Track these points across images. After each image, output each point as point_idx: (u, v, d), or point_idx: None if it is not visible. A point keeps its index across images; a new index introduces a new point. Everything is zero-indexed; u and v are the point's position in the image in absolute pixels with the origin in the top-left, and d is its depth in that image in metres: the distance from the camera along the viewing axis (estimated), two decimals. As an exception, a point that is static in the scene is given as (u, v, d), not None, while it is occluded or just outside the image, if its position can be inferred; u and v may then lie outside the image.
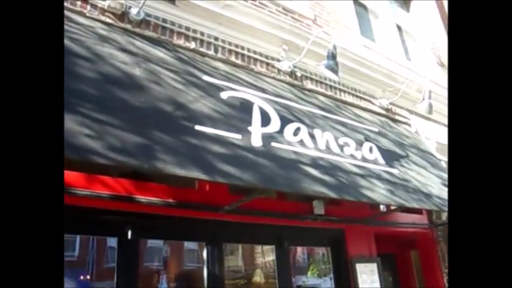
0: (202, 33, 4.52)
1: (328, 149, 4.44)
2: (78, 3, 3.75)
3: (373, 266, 5.27)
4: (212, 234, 4.21)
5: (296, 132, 4.26)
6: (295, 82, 5.28)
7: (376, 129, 5.64)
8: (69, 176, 3.43)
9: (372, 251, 5.38)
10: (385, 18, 8.10)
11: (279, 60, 5.18)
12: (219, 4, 4.61)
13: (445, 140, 6.63)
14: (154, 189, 3.84)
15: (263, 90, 4.51)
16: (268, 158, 3.74)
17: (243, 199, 3.97)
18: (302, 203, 4.92)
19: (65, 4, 3.64)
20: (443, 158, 6.33)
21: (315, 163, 4.11)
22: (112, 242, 3.81)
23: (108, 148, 2.78)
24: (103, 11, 3.88)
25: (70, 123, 2.74)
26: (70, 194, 3.35)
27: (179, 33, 4.34)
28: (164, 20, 4.25)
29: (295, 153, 4.05)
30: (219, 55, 4.59)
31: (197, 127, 3.45)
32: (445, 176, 5.65)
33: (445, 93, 7.22)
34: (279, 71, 5.15)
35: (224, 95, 4.02)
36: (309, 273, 6.66)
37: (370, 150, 4.99)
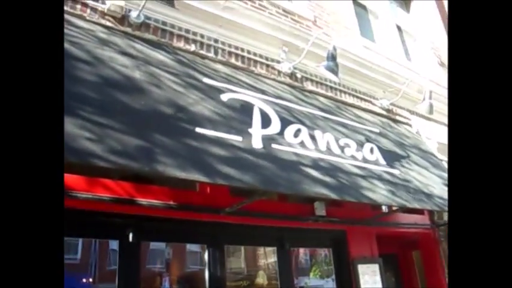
0: (202, 36, 4.53)
1: (329, 150, 4.44)
2: (78, 6, 3.76)
3: (375, 267, 5.27)
4: (213, 236, 4.21)
5: (297, 133, 4.26)
6: (296, 83, 5.29)
7: (376, 130, 5.64)
8: (71, 179, 3.44)
9: (373, 251, 5.38)
10: (385, 18, 8.11)
11: (279, 62, 5.18)
12: (218, 6, 4.62)
13: (446, 140, 6.63)
14: (155, 191, 3.85)
15: (263, 92, 4.52)
16: (269, 160, 3.75)
17: (244, 201, 3.97)
18: (303, 205, 4.92)
19: (65, 8, 3.65)
20: (444, 158, 6.33)
21: (315, 164, 4.12)
22: (114, 244, 3.81)
23: (108, 151, 2.79)
24: (103, 14, 3.90)
25: (71, 126, 2.75)
26: (71, 197, 3.37)
27: (179, 36, 4.35)
28: (164, 23, 4.26)
29: (296, 154, 4.05)
30: (219, 57, 4.59)
31: (197, 129, 3.46)
32: (446, 176, 5.65)
33: (445, 93, 7.21)
34: (279, 72, 5.16)
35: (224, 97, 4.03)
36: (312, 274, 6.65)
37: (371, 151, 4.99)
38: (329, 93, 5.69)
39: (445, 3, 9.77)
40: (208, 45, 4.57)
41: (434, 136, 6.74)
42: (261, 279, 6.48)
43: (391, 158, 5.19)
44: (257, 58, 4.98)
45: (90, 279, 6.30)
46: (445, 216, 6.39)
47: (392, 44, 7.87)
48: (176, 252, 6.82)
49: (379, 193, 4.37)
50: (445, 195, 4.98)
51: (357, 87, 6.15)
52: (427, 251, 6.47)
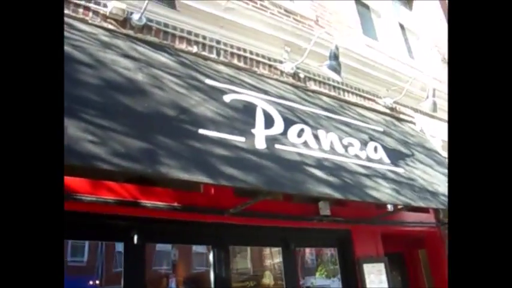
0: (204, 37, 4.53)
1: (333, 150, 4.44)
2: (81, 10, 3.77)
3: (381, 266, 5.26)
4: (218, 237, 4.21)
5: (300, 133, 4.26)
6: (298, 83, 5.28)
7: (380, 129, 5.63)
8: (75, 182, 3.46)
9: (379, 250, 5.37)
10: (387, 17, 8.09)
11: (281, 62, 5.18)
12: (220, 7, 4.63)
13: (450, 137, 6.59)
14: (159, 193, 3.86)
15: (266, 93, 4.52)
16: (273, 160, 3.75)
17: (248, 202, 3.97)
18: (308, 204, 4.92)
19: (68, 12, 3.67)
20: (449, 156, 6.30)
21: (319, 164, 4.11)
22: (120, 247, 3.83)
23: (112, 154, 2.80)
24: (105, 17, 3.91)
25: (74, 129, 2.76)
26: (76, 200, 3.38)
27: (181, 38, 4.36)
28: (166, 25, 4.27)
29: (300, 154, 4.05)
30: (221, 58, 4.60)
31: (201, 131, 3.46)
32: (451, 174, 5.62)
33: (449, 90, 7.17)
34: (282, 72, 5.16)
35: (227, 98, 4.04)
36: (317, 274, 6.65)
37: (375, 149, 4.98)
38: (332, 93, 5.68)
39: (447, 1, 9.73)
40: (210, 47, 4.57)
41: (439, 134, 6.72)
42: (267, 279, 6.49)
43: (395, 156, 5.18)
44: (259, 58, 4.98)
45: (97, 282, 6.32)
46: (450, 214, 6.36)
47: (395, 42, 7.86)
48: (182, 253, 6.84)
49: (384, 192, 4.36)
50: (450, 193, 4.95)
51: (360, 86, 6.14)
52: (433, 250, 6.45)
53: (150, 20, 4.16)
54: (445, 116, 7.19)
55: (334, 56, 4.78)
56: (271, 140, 3.91)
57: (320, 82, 5.58)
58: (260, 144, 3.79)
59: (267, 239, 4.78)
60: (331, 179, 4.00)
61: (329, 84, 5.69)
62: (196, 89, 3.89)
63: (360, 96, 6.10)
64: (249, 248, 6.73)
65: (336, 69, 4.74)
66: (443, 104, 6.78)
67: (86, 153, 2.71)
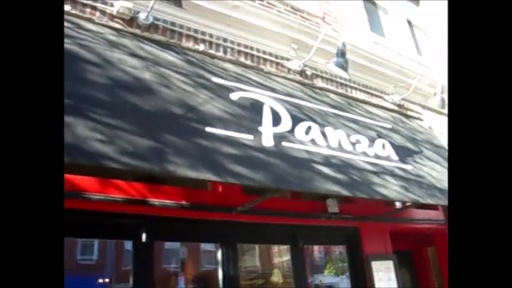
0: (211, 35, 4.54)
1: (340, 147, 4.43)
2: (88, 10, 3.79)
3: (389, 264, 5.24)
4: (226, 235, 4.22)
5: (307, 131, 4.25)
6: (306, 81, 5.27)
7: (388, 126, 5.61)
8: (83, 181, 3.48)
9: (387, 248, 5.35)
10: (394, 13, 8.05)
11: (288, 60, 5.17)
12: (226, 5, 4.62)
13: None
14: (167, 191, 3.87)
15: (273, 90, 4.52)
16: (280, 158, 3.75)
17: (256, 199, 3.97)
18: (316, 202, 4.91)
19: (75, 12, 3.68)
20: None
21: (327, 161, 4.11)
22: (129, 245, 3.84)
23: (120, 152, 2.81)
24: (112, 16, 3.92)
25: (82, 128, 2.78)
26: (85, 198, 3.40)
27: (188, 36, 4.37)
28: (172, 24, 4.28)
29: (307, 152, 4.05)
30: (228, 56, 4.60)
31: (208, 129, 3.47)
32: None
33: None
34: (289, 70, 5.15)
35: (234, 96, 4.04)
36: (326, 271, 6.64)
37: (383, 146, 4.96)
38: (339, 90, 5.67)
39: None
40: (217, 45, 4.57)
41: (447, 130, 6.68)
42: (276, 277, 6.49)
43: (403, 153, 5.15)
44: (266, 56, 4.98)
45: (106, 279, 6.36)
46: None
47: (403, 38, 7.82)
48: (190, 251, 6.86)
49: (392, 189, 4.34)
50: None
51: (367, 83, 6.12)
52: (442, 247, 6.40)
53: (157, 19, 4.17)
54: (454, 113, 7.14)
55: (341, 53, 4.76)
56: (278, 138, 3.91)
57: (327, 79, 5.57)
58: (267, 141, 3.79)
59: (275, 237, 4.78)
60: (339, 176, 3.99)
61: (336, 82, 5.67)
62: (203, 87, 3.89)
63: (368, 93, 6.08)
64: (257, 246, 6.73)
65: (343, 66, 4.73)
66: (451, 101, 6.73)
67: (94, 152, 2.73)
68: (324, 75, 5.55)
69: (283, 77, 5.02)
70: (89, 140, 2.75)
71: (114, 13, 3.93)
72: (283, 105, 4.34)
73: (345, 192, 3.86)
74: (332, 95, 5.48)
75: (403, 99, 6.44)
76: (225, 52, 4.60)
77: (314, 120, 4.47)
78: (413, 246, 7.02)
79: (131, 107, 3.23)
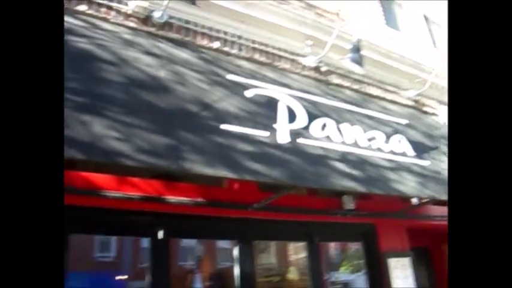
0: (225, 33, 4.53)
1: (356, 143, 4.40)
2: (103, 10, 3.81)
3: (406, 261, 5.20)
4: (242, 232, 4.23)
5: (323, 127, 4.24)
6: (321, 77, 5.24)
7: (404, 122, 5.55)
8: (100, 178, 3.52)
9: (404, 245, 5.31)
10: (410, 7, 7.96)
11: (303, 56, 5.15)
12: (241, 2, 4.61)
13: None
14: (183, 189, 3.89)
15: (288, 87, 4.50)
16: (296, 154, 3.74)
17: (272, 196, 3.97)
18: (331, 199, 4.89)
19: (90, 12, 3.71)
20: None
21: (343, 158, 4.09)
22: (145, 242, 3.87)
23: (136, 150, 2.84)
24: (127, 16, 3.94)
25: (98, 127, 2.81)
26: (102, 196, 3.43)
27: (202, 34, 4.37)
28: (187, 22, 4.28)
29: (323, 148, 4.03)
30: (243, 53, 4.59)
31: (224, 126, 3.48)
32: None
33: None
34: (304, 66, 5.12)
35: (249, 93, 4.03)
36: (342, 269, 6.61)
37: (399, 142, 4.92)
38: (355, 86, 5.62)
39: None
40: (232, 42, 4.57)
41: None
42: (292, 274, 6.48)
43: (419, 149, 5.10)
44: (281, 53, 4.95)
45: (124, 276, 6.42)
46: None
47: (419, 33, 7.73)
48: (206, 249, 6.88)
49: (408, 185, 4.31)
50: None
51: (383, 79, 6.06)
52: (460, 244, 6.33)
53: (172, 17, 4.18)
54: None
55: (356, 49, 4.74)
56: (294, 134, 3.90)
57: (342, 75, 5.53)
58: (283, 138, 3.79)
59: (291, 234, 4.78)
60: (355, 172, 3.97)
61: (351, 78, 5.62)
62: (218, 84, 3.90)
63: (383, 89, 6.02)
64: (273, 244, 6.74)
65: (358, 61, 4.71)
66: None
67: (111, 150, 2.76)
68: (339, 71, 5.51)
69: (298, 74, 4.99)
70: (106, 138, 2.78)
71: (129, 12, 3.95)
72: (299, 102, 4.32)
73: (361, 188, 3.85)
74: (347, 91, 5.44)
75: (419, 94, 6.37)
76: (239, 49, 4.59)
77: (329, 117, 4.44)
78: (431, 243, 6.95)
79: (147, 105, 3.25)
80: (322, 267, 4.87)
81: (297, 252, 6.23)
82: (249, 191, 4.20)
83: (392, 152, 4.68)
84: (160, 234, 3.72)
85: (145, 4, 3.97)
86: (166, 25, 4.14)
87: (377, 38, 6.13)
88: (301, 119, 4.13)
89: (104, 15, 3.80)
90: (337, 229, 5.00)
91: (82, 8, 3.67)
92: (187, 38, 4.24)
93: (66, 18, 3.45)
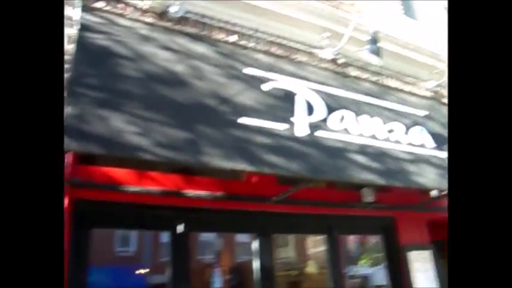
0: (242, 26, 4.52)
1: (375, 136, 4.36)
2: (120, 6, 3.83)
3: (427, 254, 5.15)
4: (261, 225, 4.23)
5: (341, 120, 4.21)
6: (338, 69, 5.20)
7: (423, 113, 5.48)
8: (120, 173, 3.55)
9: (424, 238, 5.26)
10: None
11: (320, 48, 5.11)
12: (257, -4, 4.59)
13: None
14: (202, 182, 3.90)
15: (306, 80, 4.47)
16: (315, 147, 3.73)
17: (291, 189, 3.97)
18: (351, 191, 4.87)
19: (107, 8, 3.73)
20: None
21: (362, 150, 4.06)
22: (165, 236, 3.91)
23: (155, 144, 2.86)
24: (143, 11, 3.95)
25: (118, 122, 2.83)
26: (122, 191, 3.47)
27: (219, 28, 4.36)
28: (203, 16, 4.28)
29: (341, 141, 4.01)
30: (260, 47, 4.57)
31: (242, 119, 3.48)
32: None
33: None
34: (321, 59, 5.08)
35: (267, 86, 4.02)
36: (361, 262, 6.59)
37: (419, 134, 4.86)
38: (373, 78, 5.56)
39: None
40: (249, 36, 4.55)
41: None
42: (311, 268, 6.48)
43: (439, 141, 5.04)
44: (298, 46, 4.92)
45: (145, 270, 6.50)
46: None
47: (437, 22, 7.60)
48: (225, 243, 6.93)
49: (429, 177, 4.26)
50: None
51: (401, 70, 5.99)
52: (482, 236, 6.25)
53: (188, 12, 4.18)
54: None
55: (374, 40, 4.69)
56: (312, 127, 3.88)
57: (360, 68, 5.47)
58: (302, 131, 3.77)
59: (310, 227, 4.76)
60: (374, 165, 3.94)
61: (369, 70, 5.57)
62: (235, 78, 3.89)
63: (402, 80, 5.95)
64: (292, 238, 6.74)
65: (376, 53, 4.66)
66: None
67: (130, 145, 2.78)
68: (357, 63, 5.45)
69: (316, 66, 4.96)
70: (125, 133, 2.80)
71: (146, 8, 3.96)
72: (317, 95, 4.29)
73: (380, 181, 3.82)
74: (366, 83, 5.39)
75: (438, 85, 6.28)
76: (256, 42, 4.58)
77: (348, 109, 4.41)
78: (452, 236, 6.87)
79: (165, 99, 3.26)
80: (341, 261, 4.85)
81: (316, 245, 6.23)
82: (267, 184, 4.19)
83: (411, 144, 4.63)
84: (180, 228, 3.75)
85: (162, -1, 3.98)
86: (183, 20, 4.14)
87: (395, 28, 6.04)
88: (319, 112, 4.11)
89: (121, 12, 3.82)
90: (356, 222, 4.97)
91: (100, 4, 3.69)
92: (203, 32, 4.23)
93: (84, 15, 3.48)
